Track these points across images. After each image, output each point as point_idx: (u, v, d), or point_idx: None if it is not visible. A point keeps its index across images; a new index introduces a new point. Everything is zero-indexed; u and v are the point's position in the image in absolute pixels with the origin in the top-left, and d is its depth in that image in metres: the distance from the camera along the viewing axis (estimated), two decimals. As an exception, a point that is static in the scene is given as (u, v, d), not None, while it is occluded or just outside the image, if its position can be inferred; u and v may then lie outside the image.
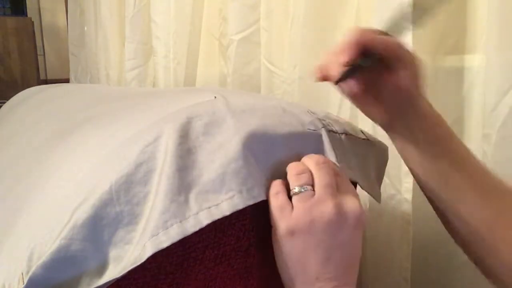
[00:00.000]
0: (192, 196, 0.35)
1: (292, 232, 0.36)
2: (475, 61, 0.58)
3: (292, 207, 0.36)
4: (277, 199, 0.37)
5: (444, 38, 0.61)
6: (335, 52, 0.38)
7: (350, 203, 0.37)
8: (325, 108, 0.74)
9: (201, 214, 0.34)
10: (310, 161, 0.39)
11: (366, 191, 0.47)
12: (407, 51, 0.39)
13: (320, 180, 0.37)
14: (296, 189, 0.37)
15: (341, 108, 0.75)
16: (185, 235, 0.33)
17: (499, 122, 0.52)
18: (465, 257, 0.62)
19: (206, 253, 0.37)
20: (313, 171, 0.38)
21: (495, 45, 0.51)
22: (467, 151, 0.42)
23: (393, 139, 0.44)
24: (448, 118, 0.60)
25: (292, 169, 0.39)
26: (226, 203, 0.36)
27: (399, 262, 0.69)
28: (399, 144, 0.43)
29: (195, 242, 0.36)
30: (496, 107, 0.52)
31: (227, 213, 0.35)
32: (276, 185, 0.38)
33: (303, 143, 0.42)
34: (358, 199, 0.38)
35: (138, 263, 0.32)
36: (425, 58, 0.60)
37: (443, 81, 0.61)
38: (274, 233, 0.37)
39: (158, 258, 0.35)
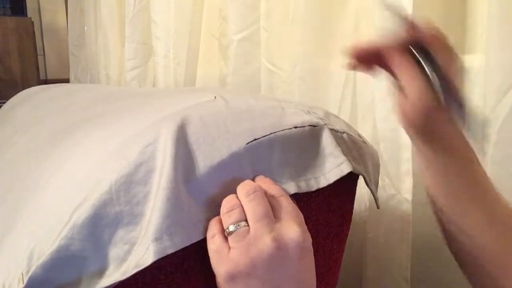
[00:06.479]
0: (193, 203, 0.35)
1: (232, 277, 0.33)
2: (475, 61, 0.58)
3: (230, 248, 0.34)
4: (213, 243, 0.34)
5: (444, 38, 0.61)
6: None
7: (289, 232, 0.34)
8: (325, 108, 0.74)
9: (201, 226, 0.35)
10: (240, 192, 0.36)
11: (370, 188, 0.47)
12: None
13: (252, 213, 0.34)
14: (230, 228, 0.34)
15: (341, 108, 0.75)
16: (189, 244, 0.34)
17: (499, 122, 0.52)
18: (465, 257, 0.62)
19: (206, 253, 0.37)
20: (244, 204, 0.35)
21: (495, 45, 0.51)
22: (485, 177, 0.40)
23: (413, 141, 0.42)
24: (448, 118, 0.61)
25: (223, 206, 0.36)
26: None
27: (399, 262, 0.69)
28: (418, 149, 0.41)
29: (195, 242, 0.36)
30: (496, 107, 0.52)
31: None
32: (212, 225, 0.35)
33: (304, 141, 0.42)
34: (300, 221, 0.36)
35: (142, 268, 0.32)
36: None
37: (443, 81, 0.60)
38: (217, 279, 0.34)
39: (158, 258, 0.35)
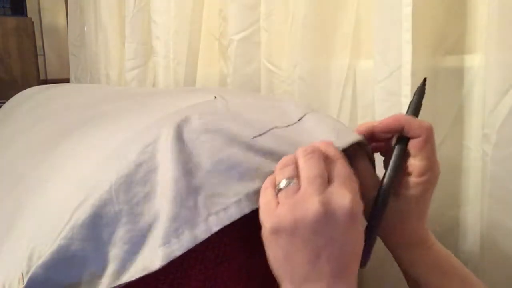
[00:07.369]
0: (200, 200, 0.35)
1: (276, 231, 0.33)
2: (475, 61, 0.58)
3: (278, 202, 0.34)
4: (265, 195, 0.35)
5: (444, 38, 0.61)
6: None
7: (339, 198, 0.33)
8: (325, 109, 0.74)
9: (210, 220, 0.35)
10: (299, 151, 0.36)
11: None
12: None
13: (306, 172, 0.34)
14: (281, 184, 0.34)
15: (341, 109, 0.74)
16: (197, 243, 0.33)
17: (499, 122, 0.52)
18: (464, 257, 0.62)
19: (206, 253, 0.37)
20: (300, 163, 0.35)
21: (495, 45, 0.51)
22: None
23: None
24: (448, 118, 0.61)
25: (279, 162, 0.37)
26: (234, 207, 0.35)
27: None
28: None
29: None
30: (496, 107, 0.52)
31: (236, 217, 0.35)
32: (267, 180, 0.36)
33: (308, 128, 0.42)
34: (353, 187, 0.35)
35: (150, 271, 0.32)
36: (425, 58, 0.60)
37: (443, 81, 0.61)
38: (263, 231, 0.35)
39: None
